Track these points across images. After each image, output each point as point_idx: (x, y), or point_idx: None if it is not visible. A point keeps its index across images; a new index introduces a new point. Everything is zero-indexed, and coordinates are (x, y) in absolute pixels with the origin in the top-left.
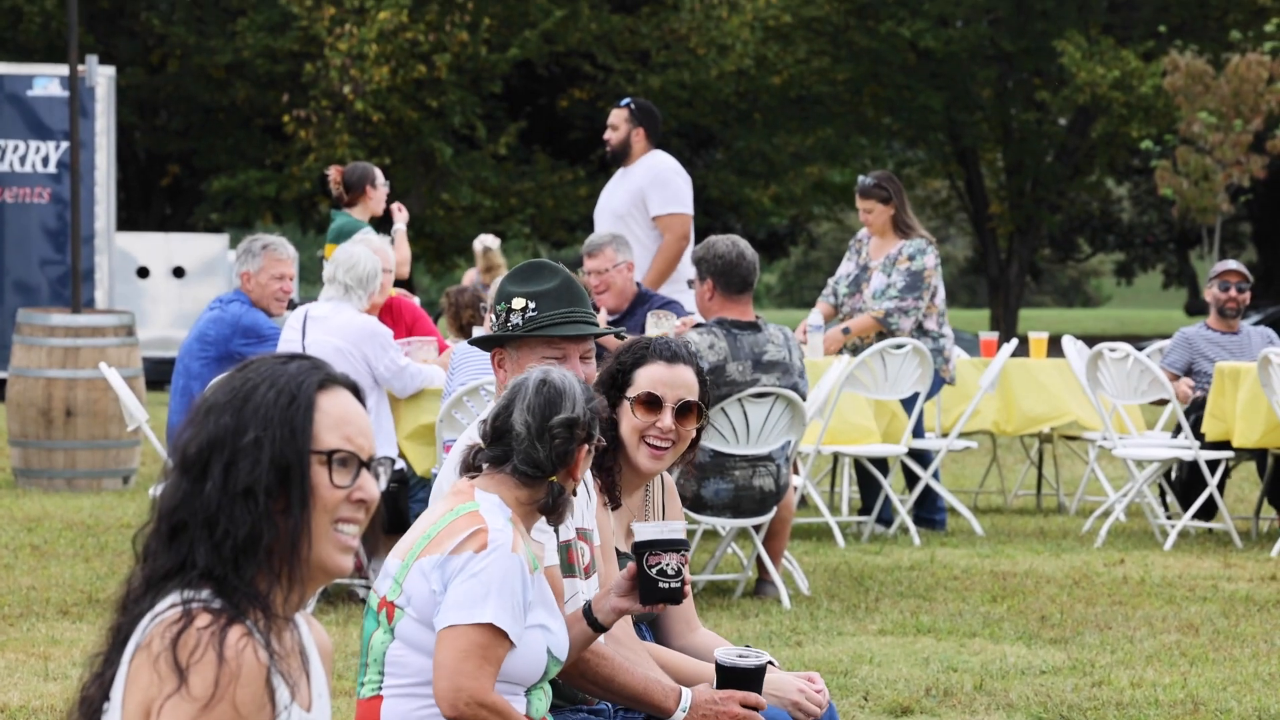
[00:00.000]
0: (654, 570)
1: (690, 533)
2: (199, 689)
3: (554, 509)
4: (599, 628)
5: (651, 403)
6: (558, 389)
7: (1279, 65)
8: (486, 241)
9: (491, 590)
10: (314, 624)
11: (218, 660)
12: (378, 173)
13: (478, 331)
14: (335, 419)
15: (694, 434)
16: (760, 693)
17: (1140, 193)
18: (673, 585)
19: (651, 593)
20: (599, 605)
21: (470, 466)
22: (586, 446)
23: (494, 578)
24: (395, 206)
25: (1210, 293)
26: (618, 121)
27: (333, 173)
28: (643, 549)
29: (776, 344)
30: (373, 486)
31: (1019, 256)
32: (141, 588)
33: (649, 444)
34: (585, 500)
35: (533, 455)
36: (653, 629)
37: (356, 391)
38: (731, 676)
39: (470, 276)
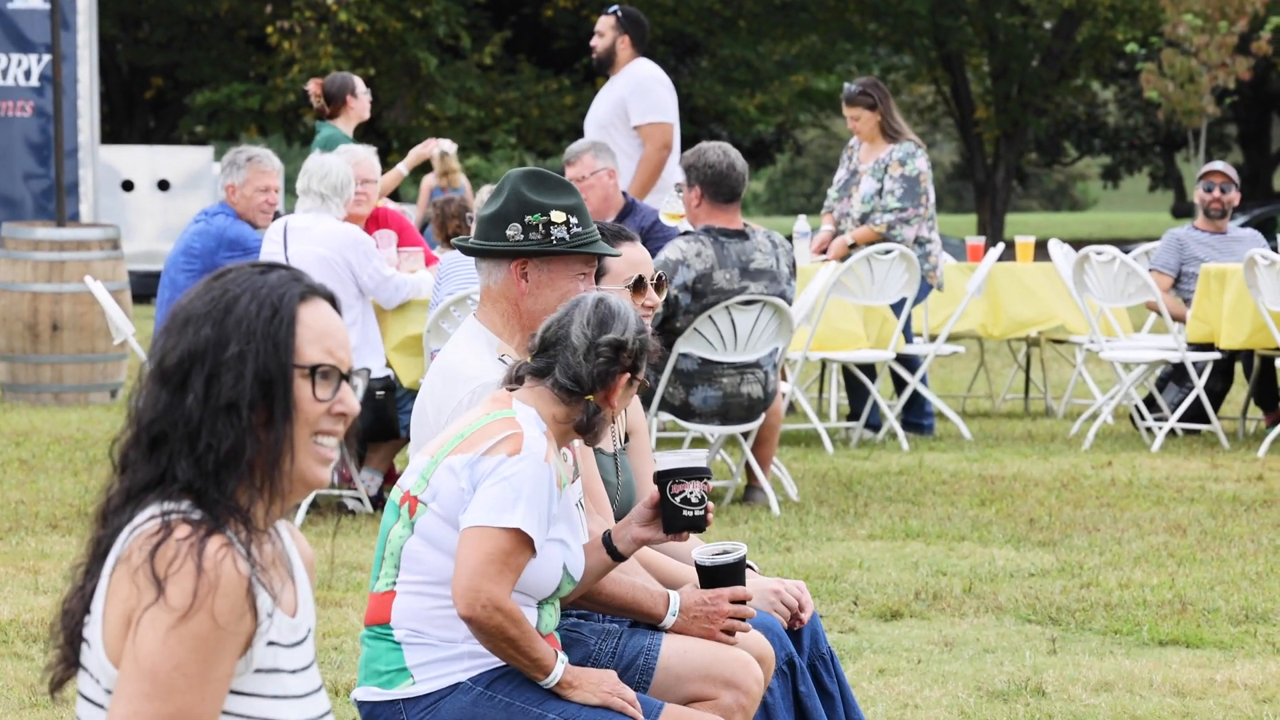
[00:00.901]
0: (678, 499)
1: (678, 440)
2: (177, 599)
3: (589, 428)
4: (619, 557)
5: (638, 284)
6: (612, 310)
7: None
8: (443, 146)
9: (522, 495)
10: (296, 534)
11: (196, 571)
12: (357, 81)
13: None
14: (317, 332)
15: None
16: (744, 585)
17: (1126, 96)
18: (696, 513)
19: (675, 520)
20: (619, 535)
21: (514, 379)
22: (628, 375)
23: (525, 483)
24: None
25: (1197, 194)
26: (604, 28)
27: (312, 86)
28: (666, 478)
29: (764, 251)
30: (353, 399)
31: (1005, 161)
32: (121, 499)
33: None
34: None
35: (576, 370)
36: None
37: (334, 302)
38: (713, 575)
39: (428, 182)
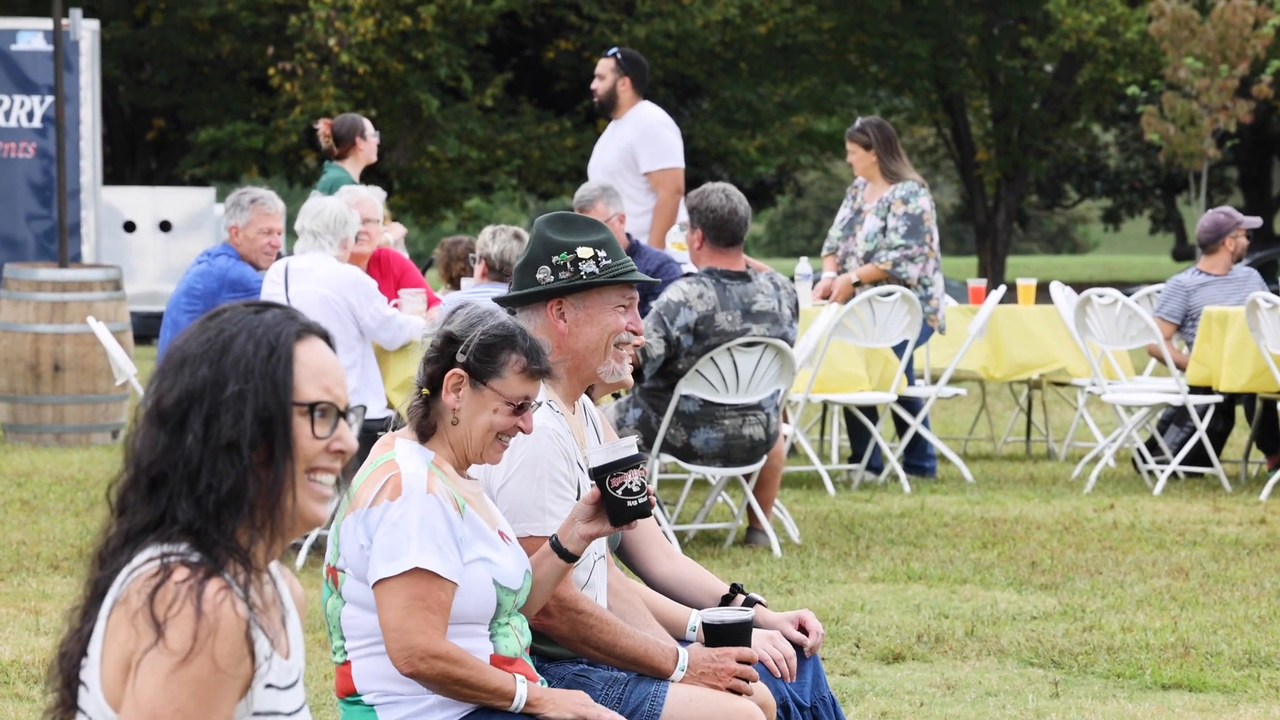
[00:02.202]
0: (619, 491)
1: (680, 482)
2: (177, 643)
3: (427, 427)
4: (569, 557)
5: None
6: (466, 311)
7: (1264, 10)
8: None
9: (412, 535)
10: (287, 573)
11: (195, 614)
12: (367, 124)
13: (467, 283)
14: (314, 370)
15: None
16: (750, 645)
17: (1127, 139)
18: (640, 501)
19: (622, 513)
20: (566, 535)
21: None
22: (456, 371)
23: (412, 523)
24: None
25: (1238, 242)
26: (604, 71)
27: (322, 126)
28: (603, 473)
29: (766, 293)
30: (350, 437)
31: (1006, 203)
32: (119, 541)
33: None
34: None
35: (422, 372)
36: (630, 559)
37: (329, 340)
38: (719, 635)
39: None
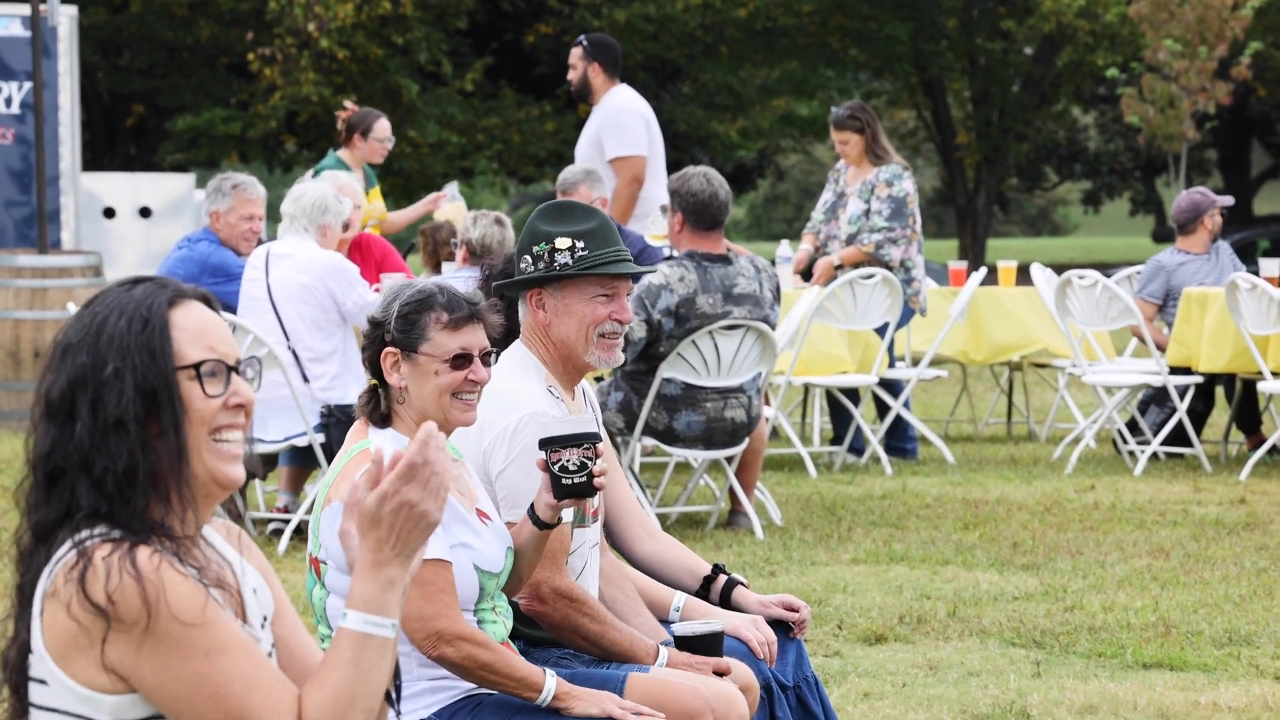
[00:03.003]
0: (556, 467)
1: (662, 465)
2: (130, 614)
3: (381, 417)
4: (543, 525)
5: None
6: (384, 293)
7: None
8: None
9: None
10: (246, 541)
11: (136, 579)
12: (376, 125)
13: (449, 267)
14: (194, 332)
15: None
16: (721, 656)
17: (1106, 121)
18: (576, 480)
19: (558, 489)
20: (538, 503)
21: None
22: (388, 350)
23: None
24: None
25: (1214, 220)
26: (574, 61)
27: (345, 109)
28: (543, 446)
29: (748, 276)
30: (246, 389)
31: (986, 186)
32: (31, 541)
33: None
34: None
35: (364, 361)
36: (612, 538)
37: (209, 300)
38: (690, 646)
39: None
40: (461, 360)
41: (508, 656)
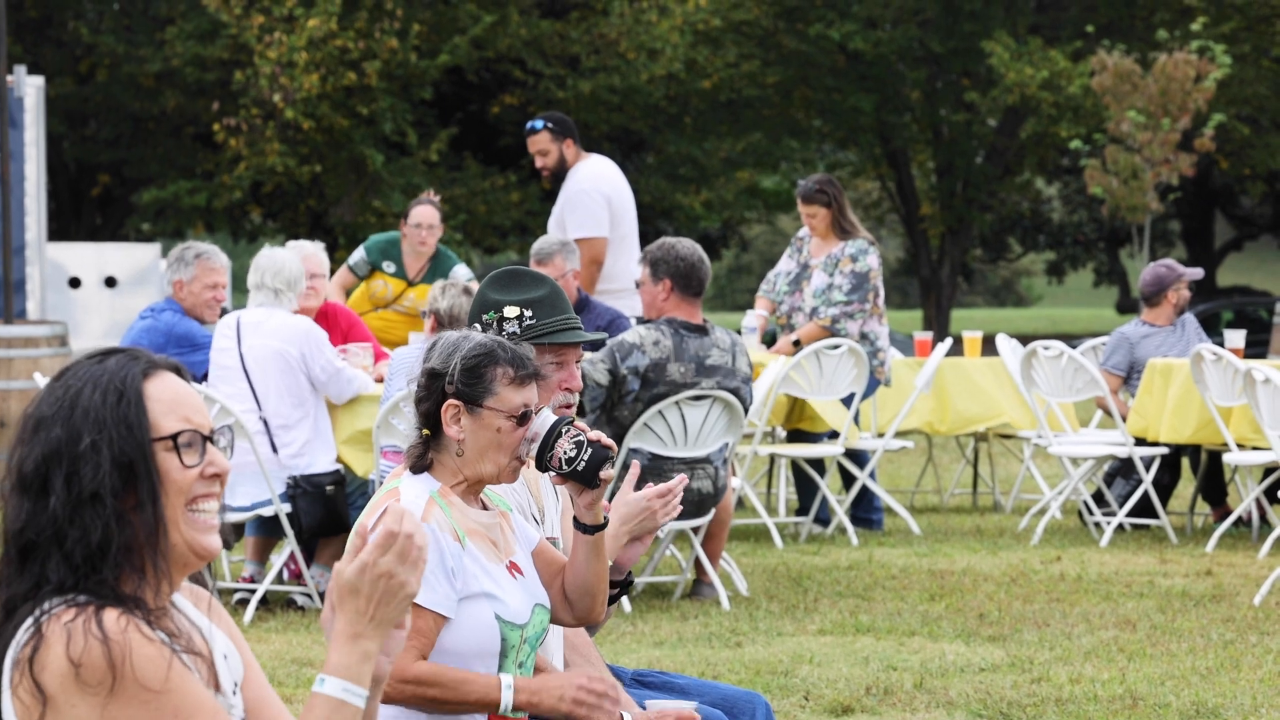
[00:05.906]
0: (566, 466)
1: None
2: (95, 676)
3: (422, 465)
4: (591, 529)
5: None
6: (440, 344)
7: (1205, 64)
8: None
9: None
10: (219, 610)
11: (102, 642)
12: (412, 210)
13: (416, 337)
14: (168, 403)
15: None
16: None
17: (1070, 192)
18: (587, 456)
19: (583, 476)
20: (575, 511)
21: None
22: (451, 402)
23: None
24: None
25: (1180, 294)
26: (544, 145)
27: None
28: (541, 466)
29: (722, 348)
30: (221, 458)
31: (950, 257)
32: (2, 616)
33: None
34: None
35: (417, 414)
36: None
37: (180, 371)
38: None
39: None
40: (524, 417)
41: (458, 686)
